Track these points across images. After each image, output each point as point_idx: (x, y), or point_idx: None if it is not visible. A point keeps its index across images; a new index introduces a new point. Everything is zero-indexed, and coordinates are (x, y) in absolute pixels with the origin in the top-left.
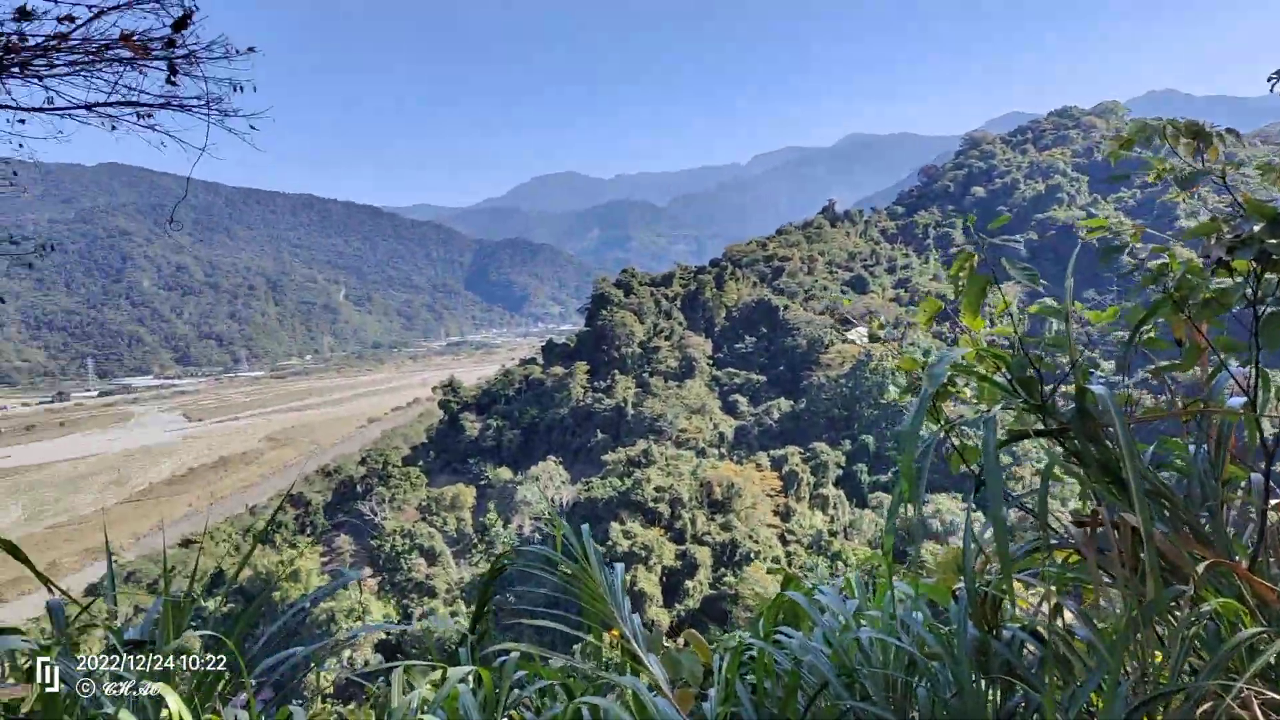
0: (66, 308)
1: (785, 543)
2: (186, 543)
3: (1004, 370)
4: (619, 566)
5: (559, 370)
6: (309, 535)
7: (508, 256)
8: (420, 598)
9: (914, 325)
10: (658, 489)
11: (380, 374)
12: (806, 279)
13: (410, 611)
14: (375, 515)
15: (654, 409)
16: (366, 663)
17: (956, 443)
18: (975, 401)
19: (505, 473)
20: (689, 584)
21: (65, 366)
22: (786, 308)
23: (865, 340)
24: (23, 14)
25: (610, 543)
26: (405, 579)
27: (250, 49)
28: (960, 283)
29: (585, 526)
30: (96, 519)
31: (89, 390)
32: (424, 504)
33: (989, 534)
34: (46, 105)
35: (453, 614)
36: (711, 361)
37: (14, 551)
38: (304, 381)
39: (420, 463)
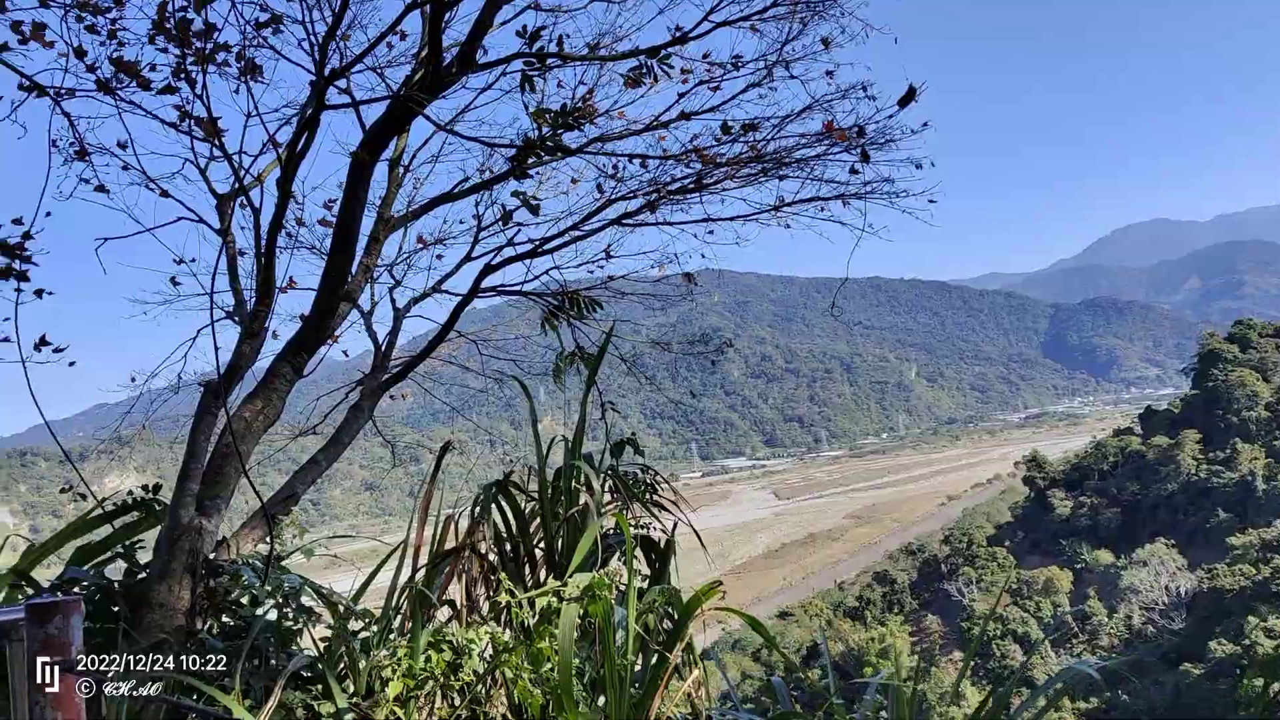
0: (674, 398)
1: None
2: (783, 614)
3: None
4: None
5: (1162, 440)
6: (897, 613)
7: (1088, 318)
8: (1015, 688)
9: None
10: None
11: (956, 450)
12: None
13: (1006, 701)
14: (963, 596)
15: None
16: None
17: None
18: None
19: (1105, 555)
20: None
21: (674, 450)
22: None
23: None
24: (724, 129)
25: (1247, 641)
26: (999, 666)
27: (924, 125)
28: None
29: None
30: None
31: (693, 471)
32: (1013, 586)
33: None
34: (737, 215)
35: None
36: None
37: (756, 626)
38: (881, 459)
39: (1006, 542)
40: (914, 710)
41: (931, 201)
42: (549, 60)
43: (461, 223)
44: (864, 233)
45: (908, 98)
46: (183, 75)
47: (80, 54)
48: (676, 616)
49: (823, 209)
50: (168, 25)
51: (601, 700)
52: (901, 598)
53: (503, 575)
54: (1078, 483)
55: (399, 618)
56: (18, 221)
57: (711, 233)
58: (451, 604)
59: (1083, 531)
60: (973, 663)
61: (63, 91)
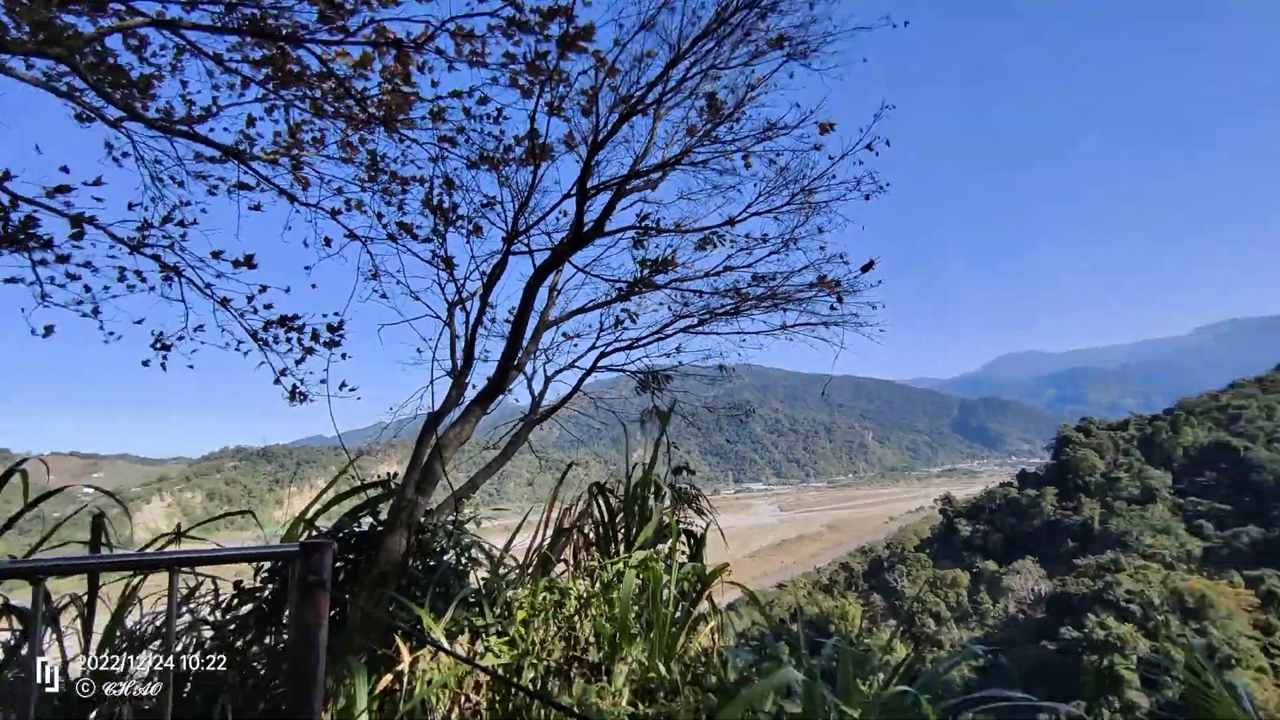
0: (718, 444)
1: (1270, 655)
2: (779, 585)
3: None
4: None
5: (1031, 492)
6: (854, 590)
7: (984, 411)
8: (929, 647)
9: None
10: (1129, 591)
11: (896, 488)
12: (1267, 424)
13: (923, 655)
14: (897, 584)
15: (1119, 526)
16: None
17: None
18: None
19: (991, 565)
20: (1165, 679)
21: (718, 474)
22: (1248, 448)
23: None
24: (754, 279)
25: (1087, 630)
26: (920, 632)
27: (879, 281)
28: None
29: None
30: (735, 563)
31: (729, 489)
32: (930, 580)
33: None
34: (759, 331)
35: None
36: (1173, 491)
37: (752, 597)
38: (848, 490)
39: (927, 551)
40: (860, 658)
41: (881, 330)
42: (650, 231)
43: (589, 325)
44: (840, 348)
45: (868, 267)
46: (436, 232)
47: (379, 217)
48: (700, 584)
49: (814, 330)
50: (432, 203)
51: (651, 634)
52: (857, 581)
53: (594, 549)
54: (975, 515)
55: (531, 568)
56: (337, 314)
57: (744, 341)
58: (565, 562)
59: (977, 548)
60: (902, 629)
61: (367, 238)
